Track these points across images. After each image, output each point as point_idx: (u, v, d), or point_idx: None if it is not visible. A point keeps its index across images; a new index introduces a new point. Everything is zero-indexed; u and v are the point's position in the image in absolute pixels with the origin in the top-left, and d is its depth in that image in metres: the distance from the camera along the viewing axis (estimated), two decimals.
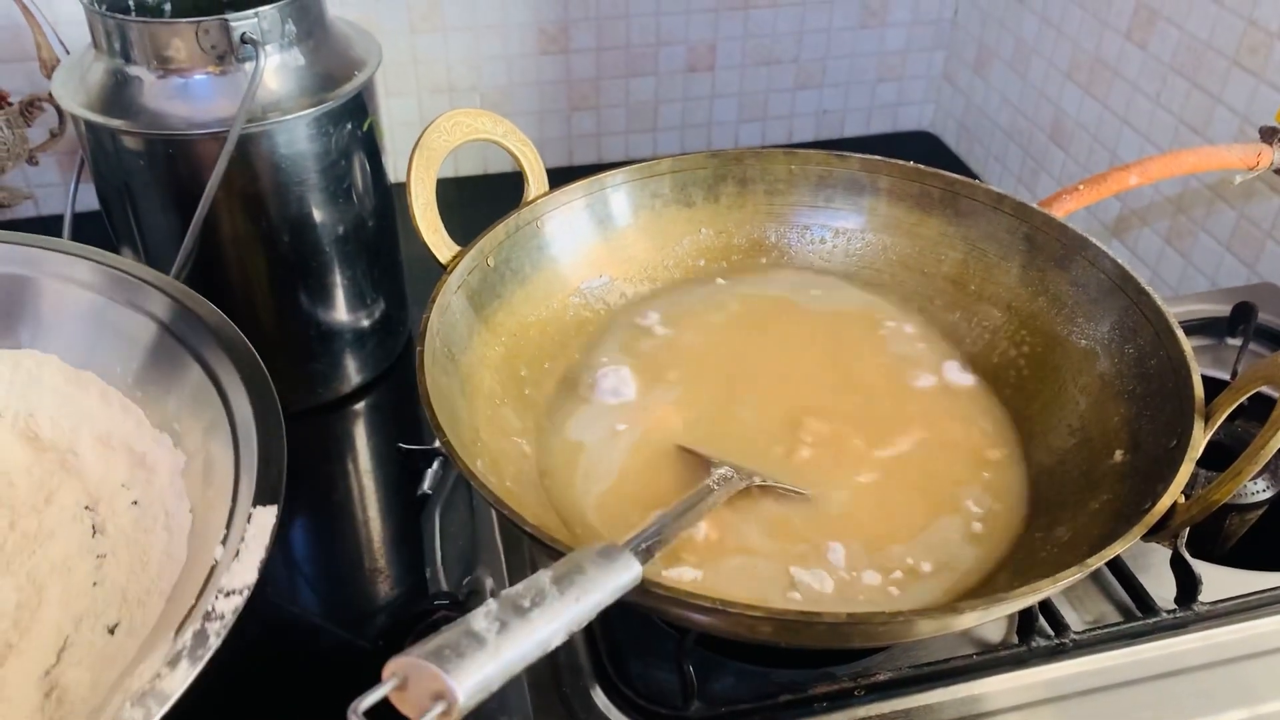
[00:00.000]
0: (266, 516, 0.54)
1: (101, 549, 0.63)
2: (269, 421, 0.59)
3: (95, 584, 0.61)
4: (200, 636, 0.48)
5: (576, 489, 0.61)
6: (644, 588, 0.44)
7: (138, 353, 0.68)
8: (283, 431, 0.59)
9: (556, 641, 0.39)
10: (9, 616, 0.59)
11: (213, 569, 0.52)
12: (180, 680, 0.46)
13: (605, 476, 0.62)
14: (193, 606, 0.50)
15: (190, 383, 0.65)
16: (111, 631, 0.58)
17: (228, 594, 0.50)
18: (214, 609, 0.49)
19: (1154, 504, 0.48)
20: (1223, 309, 0.81)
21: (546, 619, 0.39)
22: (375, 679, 0.36)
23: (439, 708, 0.35)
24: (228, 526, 0.54)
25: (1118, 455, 0.57)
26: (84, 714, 0.53)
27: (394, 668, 0.36)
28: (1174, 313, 0.60)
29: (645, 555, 0.45)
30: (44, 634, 0.58)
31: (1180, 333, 0.58)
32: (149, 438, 0.66)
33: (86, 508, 0.65)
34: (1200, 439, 0.51)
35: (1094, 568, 0.45)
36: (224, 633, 0.48)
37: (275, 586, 0.80)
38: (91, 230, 0.85)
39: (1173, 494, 0.49)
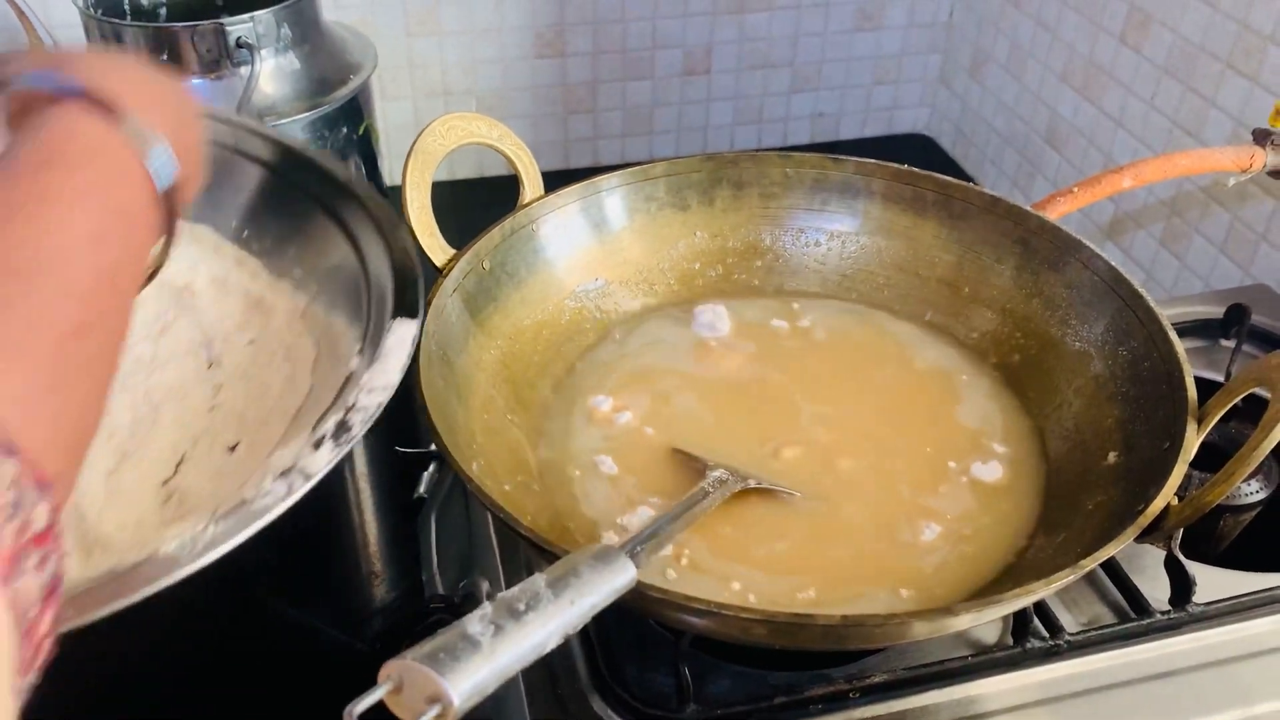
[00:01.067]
0: (407, 328, 0.53)
1: (217, 379, 0.61)
2: (399, 250, 0.59)
3: (212, 409, 0.59)
4: (343, 426, 0.47)
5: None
6: (639, 590, 0.44)
7: (248, 200, 0.67)
8: (415, 258, 0.58)
9: (552, 644, 0.39)
10: (125, 429, 0.57)
11: (349, 376, 0.51)
12: (323, 460, 0.45)
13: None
14: (334, 400, 0.49)
15: (310, 225, 0.64)
16: (231, 450, 0.57)
17: (370, 391, 0.49)
18: (356, 402, 0.48)
19: (1146, 506, 0.48)
20: (1216, 311, 0.81)
21: (541, 622, 0.39)
22: (371, 681, 0.36)
23: (434, 710, 0.35)
24: (362, 341, 0.54)
25: (1111, 457, 0.58)
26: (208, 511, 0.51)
27: (389, 670, 0.36)
28: (1168, 315, 0.60)
29: (640, 558, 0.45)
30: (160, 448, 0.56)
31: (1173, 335, 0.58)
32: (265, 284, 0.65)
33: (201, 344, 0.64)
34: (1193, 441, 0.52)
35: (1086, 570, 0.45)
36: (369, 423, 0.47)
37: (272, 588, 0.80)
38: None
39: (1165, 496, 0.49)
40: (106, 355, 0.38)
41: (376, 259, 0.59)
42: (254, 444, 0.56)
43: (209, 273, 0.66)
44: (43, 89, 0.40)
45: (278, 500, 0.44)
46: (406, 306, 0.55)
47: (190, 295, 0.66)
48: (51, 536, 0.31)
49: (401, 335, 0.53)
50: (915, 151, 1.39)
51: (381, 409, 0.48)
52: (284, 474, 0.45)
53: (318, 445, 0.46)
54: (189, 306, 0.65)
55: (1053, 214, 0.76)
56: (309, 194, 0.64)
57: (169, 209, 0.42)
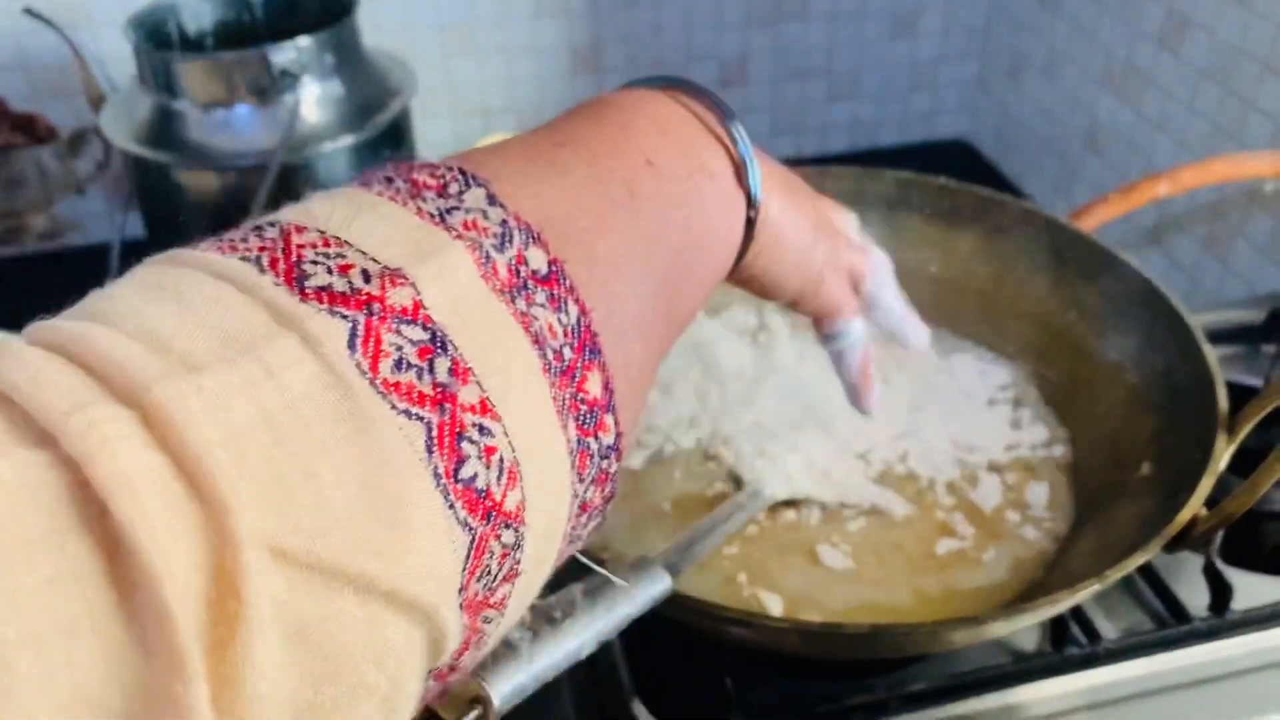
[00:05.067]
0: None
1: None
2: None
3: None
4: None
5: None
6: (675, 600, 0.45)
7: None
8: None
9: (587, 650, 0.41)
10: None
11: None
12: None
13: None
14: None
15: None
16: None
17: None
18: None
19: (1175, 516, 0.48)
20: (1258, 315, 0.80)
21: (577, 630, 0.40)
22: None
23: (475, 712, 0.37)
24: None
25: (1145, 468, 0.58)
26: None
27: None
28: (1208, 319, 0.60)
29: (676, 569, 0.46)
30: None
31: (1206, 347, 0.58)
32: None
33: None
34: (1222, 452, 0.52)
35: (1113, 579, 0.46)
36: None
37: None
38: (139, 259, 0.88)
39: (1193, 507, 0.49)
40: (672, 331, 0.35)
41: None
42: None
43: None
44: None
45: None
46: None
47: None
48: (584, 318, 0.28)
49: None
50: (955, 158, 1.39)
51: None
52: None
53: None
54: None
55: (1090, 223, 0.76)
56: None
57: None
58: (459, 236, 0.26)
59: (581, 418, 0.27)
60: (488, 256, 0.26)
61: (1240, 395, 0.55)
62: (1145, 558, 0.47)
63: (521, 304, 0.26)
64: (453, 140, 1.23)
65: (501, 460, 0.24)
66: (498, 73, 1.21)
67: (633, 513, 0.62)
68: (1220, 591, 0.59)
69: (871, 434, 0.65)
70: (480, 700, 0.37)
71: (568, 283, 0.27)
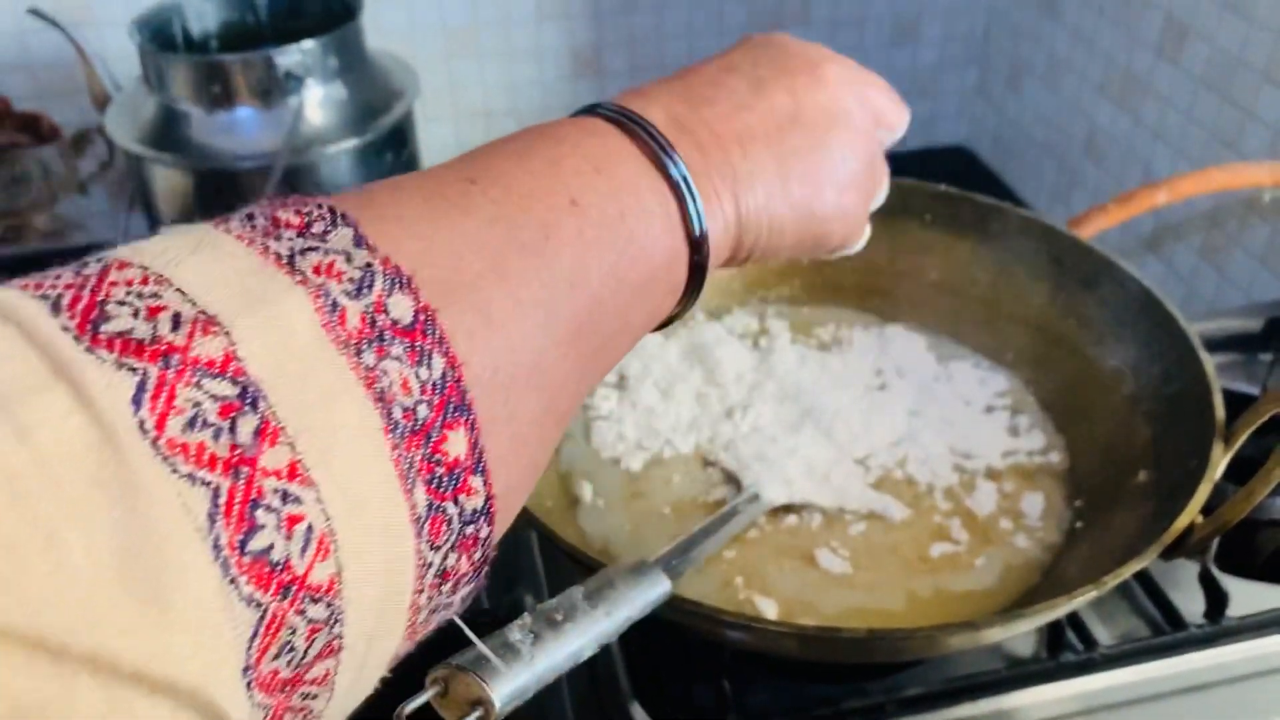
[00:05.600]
0: None
1: None
2: None
3: None
4: None
5: None
6: (673, 604, 0.45)
7: None
8: None
9: (587, 653, 0.41)
10: None
11: None
12: None
13: None
14: None
15: None
16: None
17: None
18: None
19: (1171, 523, 0.49)
20: (1255, 324, 0.81)
21: (578, 632, 0.40)
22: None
23: (477, 713, 0.37)
24: None
25: (1142, 475, 0.58)
26: None
27: (436, 675, 0.38)
28: (1206, 328, 0.60)
29: (675, 572, 0.46)
30: None
31: (1203, 355, 0.58)
32: None
33: None
34: (1219, 460, 0.52)
35: (1110, 586, 0.46)
36: None
37: None
38: None
39: (1189, 514, 0.49)
40: (608, 352, 0.33)
41: None
42: None
43: None
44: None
45: None
46: None
47: None
48: (455, 390, 0.26)
49: None
50: (955, 165, 1.39)
51: None
52: None
53: None
54: None
55: (1088, 231, 0.76)
56: None
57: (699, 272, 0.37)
58: (303, 281, 0.24)
59: (437, 480, 0.25)
60: (335, 304, 0.24)
61: (1237, 403, 0.55)
62: (1142, 564, 0.47)
63: (370, 357, 0.24)
64: (455, 142, 1.23)
65: (309, 529, 0.22)
66: (500, 75, 1.22)
67: (632, 516, 0.62)
68: (1216, 598, 0.59)
69: (870, 439, 0.66)
70: (482, 701, 0.37)
71: (436, 334, 0.26)
